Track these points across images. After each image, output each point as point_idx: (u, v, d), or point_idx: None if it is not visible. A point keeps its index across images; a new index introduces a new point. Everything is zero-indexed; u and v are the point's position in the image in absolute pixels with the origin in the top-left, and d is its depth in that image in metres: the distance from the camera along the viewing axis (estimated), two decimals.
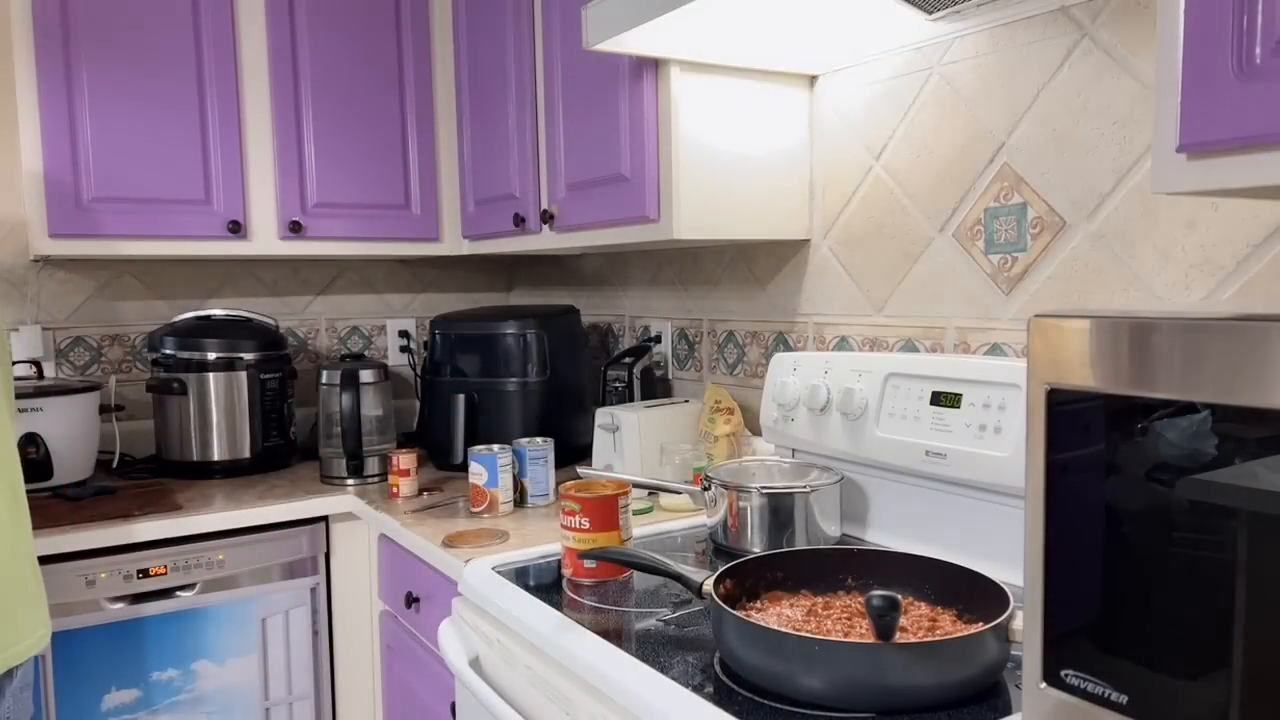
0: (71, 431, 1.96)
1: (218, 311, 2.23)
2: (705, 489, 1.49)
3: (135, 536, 1.71)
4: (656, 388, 2.14)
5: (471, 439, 2.04)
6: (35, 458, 1.90)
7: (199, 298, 2.39)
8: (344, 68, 2.16)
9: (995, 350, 1.43)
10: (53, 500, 1.88)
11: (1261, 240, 1.11)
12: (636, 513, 1.66)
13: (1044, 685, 0.73)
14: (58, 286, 2.23)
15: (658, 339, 2.21)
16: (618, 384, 2.06)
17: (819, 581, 1.17)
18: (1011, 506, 1.26)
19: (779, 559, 1.18)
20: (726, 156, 1.62)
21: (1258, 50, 0.69)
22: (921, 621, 1.05)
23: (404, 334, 2.65)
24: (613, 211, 1.69)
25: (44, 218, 1.89)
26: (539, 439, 1.84)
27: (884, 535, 1.46)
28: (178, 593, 1.78)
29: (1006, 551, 1.27)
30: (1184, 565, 0.63)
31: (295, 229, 2.10)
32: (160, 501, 1.87)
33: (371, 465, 2.05)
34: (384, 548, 1.85)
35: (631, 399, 2.05)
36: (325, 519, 1.95)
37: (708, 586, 1.07)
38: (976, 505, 1.31)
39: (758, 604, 1.12)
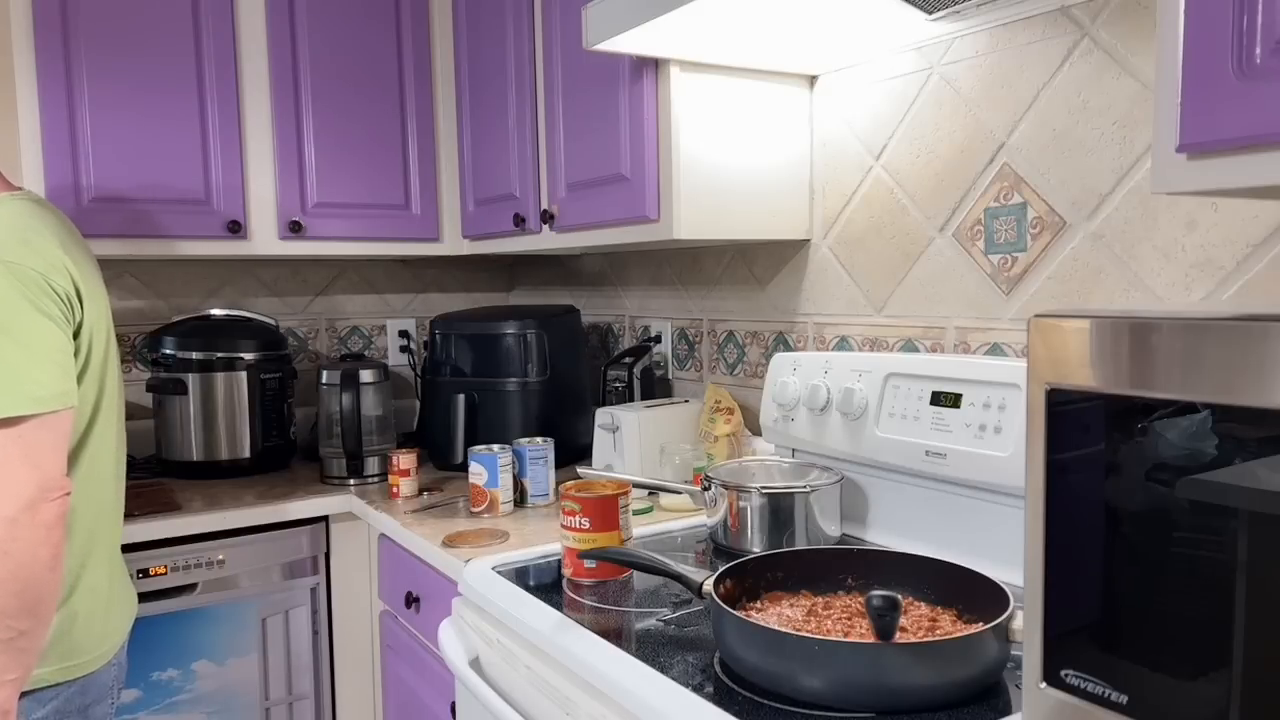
0: None
1: (218, 311, 2.23)
2: (705, 489, 1.49)
3: (135, 536, 1.71)
4: (656, 388, 2.14)
5: (471, 439, 2.04)
6: None
7: (199, 298, 2.39)
8: (344, 68, 2.16)
9: (995, 350, 1.43)
10: None
11: (1261, 240, 1.11)
12: (636, 513, 1.66)
13: (1044, 685, 0.73)
14: None
15: (658, 339, 2.21)
16: (618, 384, 2.06)
17: (819, 581, 1.17)
18: (1011, 506, 1.26)
19: (779, 559, 1.18)
20: (727, 156, 1.62)
21: (1258, 50, 0.69)
22: (921, 621, 1.05)
23: (404, 334, 2.65)
24: (613, 211, 1.69)
25: None
26: (539, 439, 1.84)
27: (884, 535, 1.46)
28: (178, 593, 1.78)
29: (1006, 551, 1.27)
30: (1184, 565, 0.63)
31: (295, 229, 2.10)
32: (160, 501, 1.87)
33: (371, 465, 2.05)
34: (384, 548, 1.85)
35: (631, 399, 2.05)
36: (325, 519, 1.95)
37: (708, 586, 1.07)
38: (976, 505, 1.31)
39: (758, 604, 1.12)
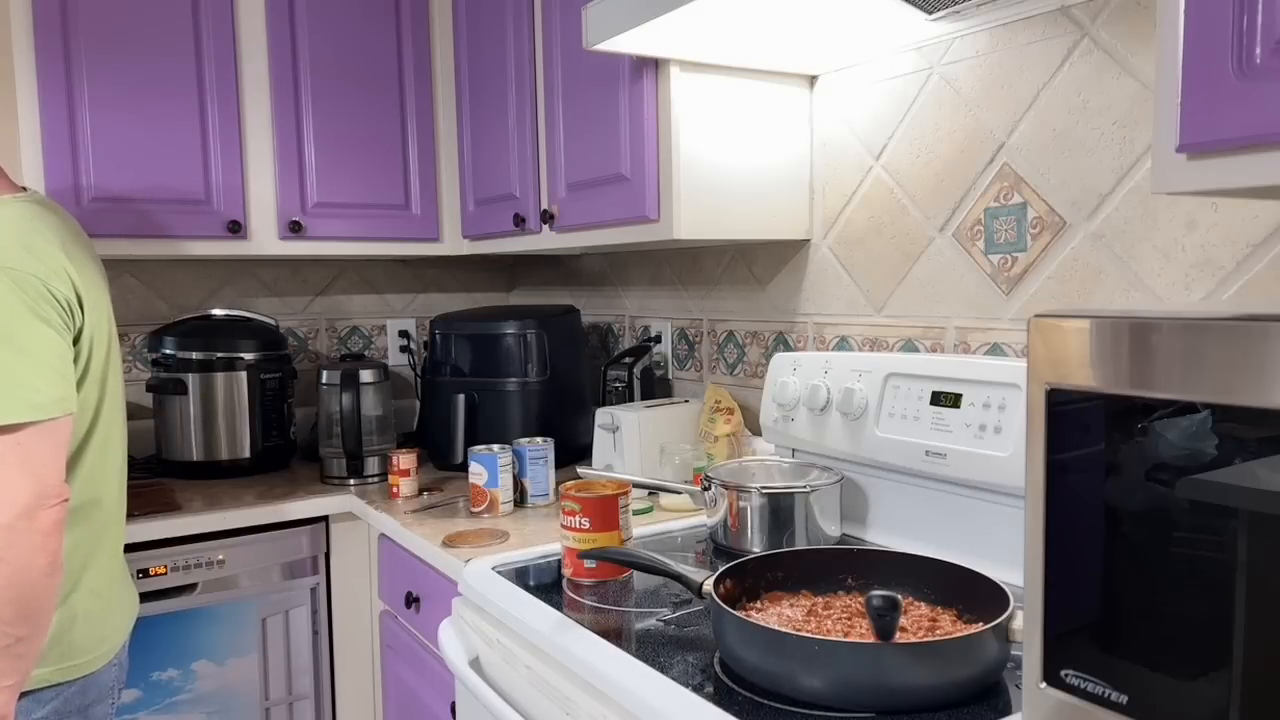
0: None
1: (218, 311, 2.23)
2: (705, 489, 1.49)
3: (135, 536, 1.70)
4: (656, 388, 2.14)
5: (471, 439, 2.04)
6: None
7: (199, 298, 2.39)
8: (344, 68, 2.16)
9: (995, 350, 1.43)
10: None
11: (1261, 240, 1.11)
12: (636, 513, 1.66)
13: (1044, 685, 0.73)
14: None
15: (658, 339, 2.21)
16: (618, 384, 2.06)
17: (819, 581, 1.17)
18: (1011, 506, 1.26)
19: (779, 559, 1.18)
20: (726, 156, 1.62)
21: (1258, 50, 0.69)
22: (921, 621, 1.05)
23: (404, 334, 2.65)
24: (613, 211, 1.69)
25: None
26: (539, 439, 1.84)
27: (884, 535, 1.46)
28: (178, 593, 1.78)
29: (1006, 551, 1.27)
30: (1184, 565, 0.63)
31: (295, 229, 2.10)
32: (160, 501, 1.87)
33: (371, 465, 2.05)
34: (384, 548, 1.85)
35: (631, 399, 2.05)
36: (325, 519, 1.95)
37: (708, 586, 1.07)
38: (976, 505, 1.31)
39: (758, 604, 1.12)
